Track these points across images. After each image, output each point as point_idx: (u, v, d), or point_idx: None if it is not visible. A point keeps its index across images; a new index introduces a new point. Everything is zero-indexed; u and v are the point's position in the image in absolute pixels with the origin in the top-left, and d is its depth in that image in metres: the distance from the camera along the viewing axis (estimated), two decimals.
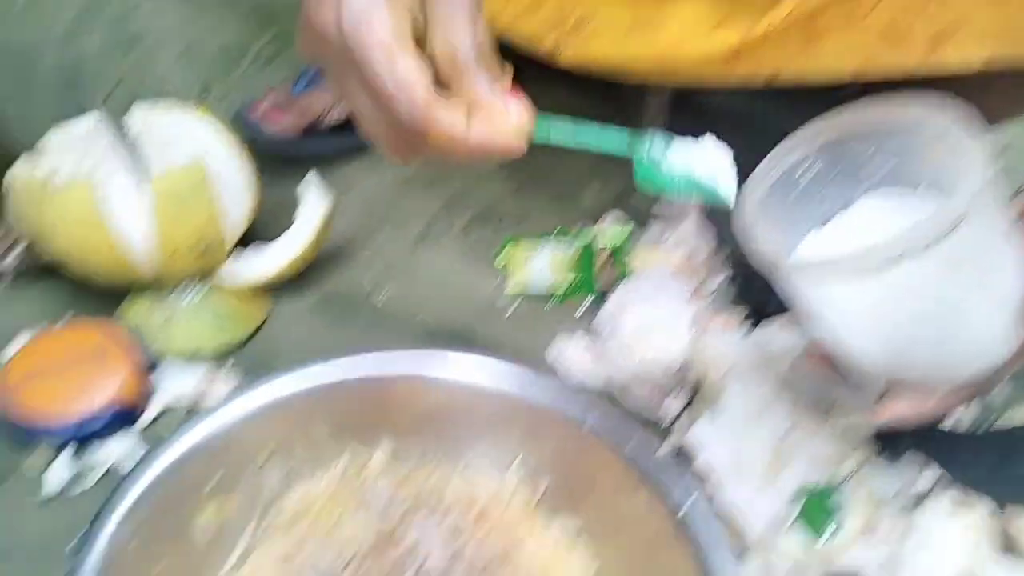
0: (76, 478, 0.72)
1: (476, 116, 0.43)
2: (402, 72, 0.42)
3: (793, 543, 0.67)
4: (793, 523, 0.67)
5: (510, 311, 0.92)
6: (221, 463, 0.62)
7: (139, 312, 0.82)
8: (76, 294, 0.88)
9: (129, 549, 0.54)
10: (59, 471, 0.71)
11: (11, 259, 0.88)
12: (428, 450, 0.71)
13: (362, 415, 0.68)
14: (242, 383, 0.64)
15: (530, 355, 0.72)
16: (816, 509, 0.67)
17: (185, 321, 0.82)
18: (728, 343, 0.77)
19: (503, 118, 0.44)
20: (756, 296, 0.90)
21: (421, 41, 0.44)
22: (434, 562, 0.60)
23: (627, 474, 0.61)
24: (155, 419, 0.77)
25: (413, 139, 0.44)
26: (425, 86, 0.43)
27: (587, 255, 0.94)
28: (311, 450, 0.67)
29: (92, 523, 0.54)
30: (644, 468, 0.61)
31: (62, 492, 0.71)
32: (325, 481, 0.68)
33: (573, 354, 0.84)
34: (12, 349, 0.81)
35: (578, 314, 0.92)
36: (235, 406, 0.63)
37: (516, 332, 0.90)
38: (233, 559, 0.63)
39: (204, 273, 0.84)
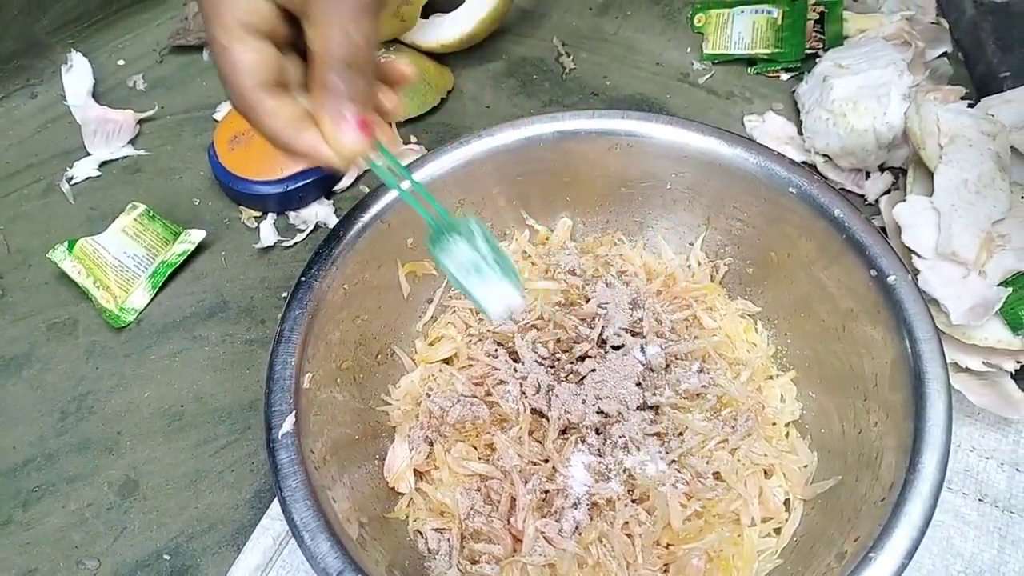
0: (285, 233, 0.77)
1: (308, 124, 0.44)
2: (234, 58, 0.42)
3: (992, 332, 0.63)
4: (995, 313, 0.62)
5: (704, 79, 0.87)
6: (418, 220, 0.63)
7: None
8: None
9: (338, 295, 0.58)
10: (270, 226, 0.77)
11: None
12: (611, 221, 0.70)
13: (549, 181, 0.67)
14: (431, 150, 0.64)
15: (725, 126, 0.68)
16: (1020, 303, 0.62)
17: None
18: (947, 114, 0.69)
19: (332, 138, 0.43)
20: (982, 67, 0.79)
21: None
22: (620, 323, 0.60)
23: (831, 240, 0.58)
24: (351, 185, 0.81)
25: (243, 116, 0.44)
26: (251, 75, 0.42)
27: (797, 15, 0.85)
28: (497, 217, 0.68)
29: (306, 268, 0.58)
30: (851, 235, 0.57)
31: (275, 245, 0.77)
32: (512, 247, 0.69)
33: (774, 124, 0.79)
34: (222, 111, 0.87)
35: (782, 80, 0.85)
36: (426, 169, 0.64)
37: (711, 100, 0.85)
38: (428, 313, 0.67)
39: (397, 36, 0.84)
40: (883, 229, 0.72)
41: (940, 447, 0.48)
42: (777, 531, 0.56)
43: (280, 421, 0.52)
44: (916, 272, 0.65)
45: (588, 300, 0.62)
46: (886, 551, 0.45)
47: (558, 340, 0.61)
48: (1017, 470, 0.62)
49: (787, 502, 0.57)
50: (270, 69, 0.43)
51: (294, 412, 0.52)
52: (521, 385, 0.59)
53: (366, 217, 0.61)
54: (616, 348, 0.60)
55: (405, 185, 0.50)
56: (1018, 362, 0.63)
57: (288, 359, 0.55)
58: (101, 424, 0.68)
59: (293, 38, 0.45)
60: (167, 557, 0.61)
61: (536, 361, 0.61)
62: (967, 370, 0.64)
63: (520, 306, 0.49)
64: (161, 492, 0.64)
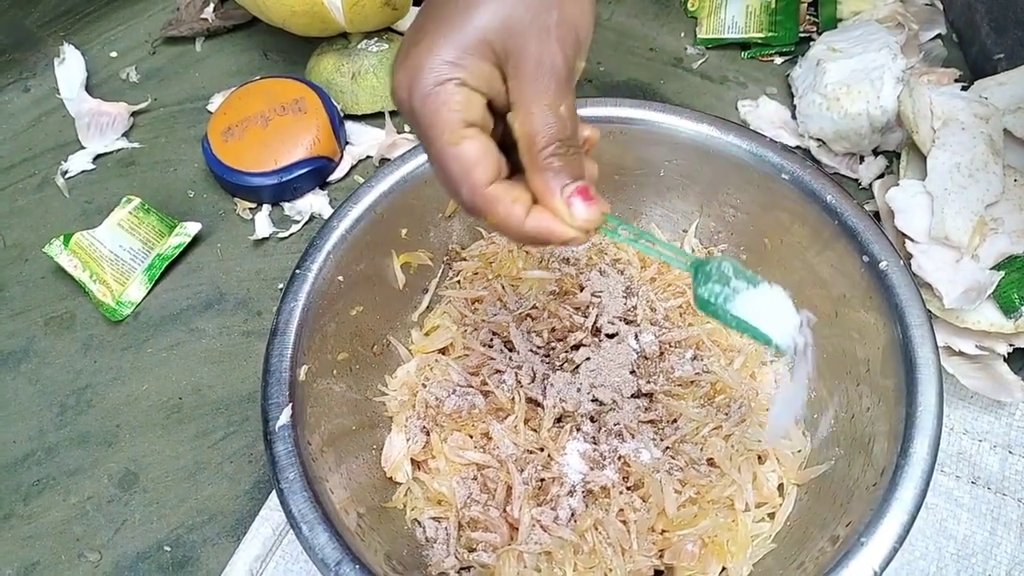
0: (280, 224, 0.78)
1: (536, 208, 0.42)
2: (464, 156, 0.40)
3: (985, 315, 0.63)
4: (988, 297, 0.62)
5: (698, 64, 0.87)
6: (413, 211, 0.64)
7: (327, 68, 0.83)
8: (266, 51, 0.91)
9: (333, 287, 0.58)
10: (265, 217, 0.77)
11: (207, 15, 0.91)
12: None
13: None
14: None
15: (719, 111, 0.68)
16: (1012, 287, 0.62)
17: (372, 75, 0.83)
18: (941, 97, 0.69)
19: (567, 215, 0.42)
20: (976, 49, 0.78)
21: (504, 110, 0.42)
22: (614, 311, 0.61)
23: (824, 226, 0.58)
24: (346, 175, 0.81)
25: (474, 213, 0.43)
26: (485, 170, 0.41)
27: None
28: None
29: (301, 260, 0.58)
30: (843, 221, 0.57)
31: (270, 236, 0.77)
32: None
33: (767, 108, 0.79)
34: (216, 102, 0.86)
35: (776, 64, 0.85)
36: (421, 158, 0.64)
37: (705, 85, 0.85)
38: (424, 303, 0.67)
39: (389, 24, 0.84)
40: (876, 214, 0.72)
41: (931, 432, 0.49)
42: (771, 516, 0.56)
43: (277, 413, 0.52)
44: (909, 256, 0.65)
45: (582, 289, 0.63)
46: (877, 536, 0.46)
47: (553, 329, 0.61)
48: (1010, 452, 0.63)
49: (781, 487, 0.58)
50: (498, 162, 0.42)
51: (290, 404, 0.53)
52: (516, 374, 0.60)
53: (360, 208, 0.61)
54: (610, 336, 0.61)
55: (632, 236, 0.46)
56: (1011, 345, 0.64)
57: (284, 352, 0.55)
58: (100, 417, 0.68)
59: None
60: (168, 549, 0.62)
61: (531, 350, 0.61)
62: (960, 354, 0.65)
63: (799, 325, 0.45)
64: (161, 484, 0.65)
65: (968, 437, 0.64)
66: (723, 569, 0.54)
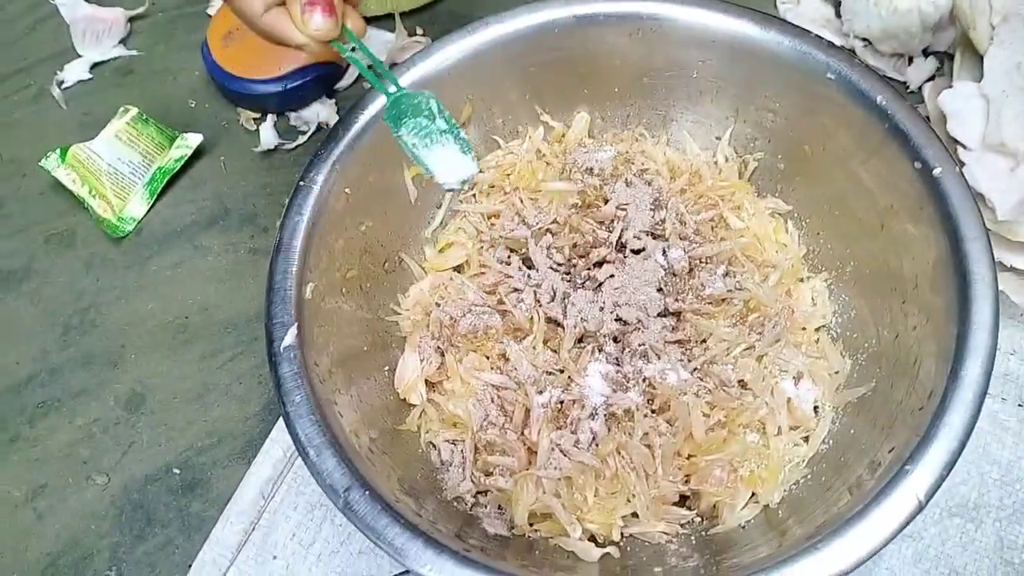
0: (286, 135, 0.73)
1: (279, 8, 0.46)
2: None
3: None
4: None
5: None
6: None
7: None
8: None
9: (340, 200, 0.55)
10: (270, 127, 0.73)
11: None
12: (632, 116, 0.65)
13: (565, 71, 0.62)
14: (437, 42, 0.59)
15: (757, 5, 0.62)
16: None
17: None
18: None
19: (299, 20, 0.46)
20: None
21: None
22: (640, 225, 0.57)
23: (872, 131, 0.53)
24: (353, 82, 0.77)
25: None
26: None
27: None
28: (508, 113, 0.64)
29: (304, 171, 0.54)
30: (895, 123, 0.52)
31: (276, 148, 0.73)
32: (525, 146, 0.65)
33: (809, 6, 0.72)
34: (216, 5, 0.81)
35: None
36: (431, 62, 0.59)
37: None
38: (438, 219, 0.63)
39: None
40: (926, 119, 0.66)
41: (985, 352, 0.45)
42: (806, 439, 0.53)
43: (282, 334, 0.49)
44: (961, 164, 0.60)
45: (607, 201, 0.58)
46: (924, 463, 0.42)
47: (574, 245, 0.57)
48: None
49: (816, 409, 0.54)
50: None
51: (296, 324, 0.50)
52: (535, 293, 0.56)
53: (367, 116, 0.57)
54: (636, 252, 0.57)
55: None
56: None
57: (288, 269, 0.52)
58: (104, 338, 0.66)
59: None
60: (177, 471, 0.60)
61: (551, 268, 0.57)
62: (1011, 269, 0.60)
63: (472, 175, 0.52)
64: (168, 406, 0.63)
65: (1016, 358, 0.60)
66: (753, 495, 0.52)
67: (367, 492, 0.45)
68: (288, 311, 0.50)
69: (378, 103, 0.57)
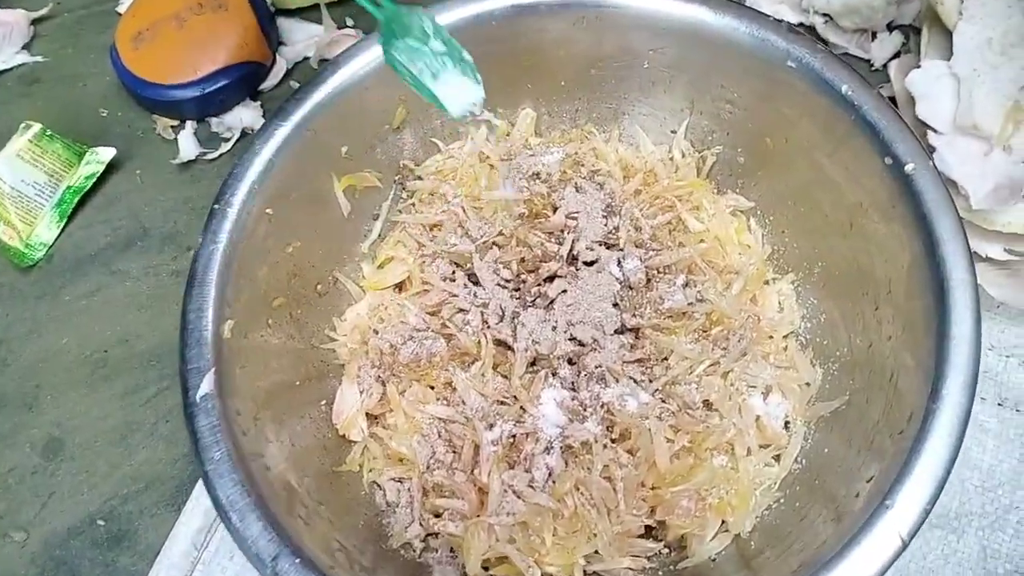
0: (208, 144, 0.68)
1: None
2: None
3: (1016, 216, 0.55)
4: (1022, 195, 0.54)
5: None
6: (353, 124, 0.54)
7: None
8: None
9: (260, 223, 0.49)
10: (190, 136, 0.67)
11: None
12: (581, 110, 0.61)
13: (506, 65, 0.57)
14: (368, 37, 0.54)
15: None
16: None
17: None
18: None
19: None
20: None
21: None
22: (593, 234, 0.52)
23: (838, 122, 0.49)
24: (280, 82, 0.71)
25: None
26: None
27: None
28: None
29: (218, 194, 0.49)
30: (862, 115, 0.48)
31: (196, 158, 0.67)
32: (467, 147, 0.60)
33: None
34: (125, 3, 0.75)
35: None
36: (361, 59, 0.54)
37: None
38: (375, 231, 0.58)
39: None
40: (892, 100, 0.62)
41: (967, 369, 0.41)
42: (777, 459, 0.50)
43: (198, 381, 0.44)
44: (932, 150, 0.56)
45: (555, 210, 0.54)
46: (906, 498, 0.39)
47: (522, 259, 0.53)
48: None
49: (787, 424, 0.51)
50: None
51: (214, 369, 0.45)
52: (482, 313, 0.52)
53: (288, 126, 0.52)
54: (589, 264, 0.52)
55: None
56: None
57: (203, 306, 0.47)
58: (17, 378, 0.60)
59: None
60: (101, 523, 0.55)
61: (498, 284, 0.53)
62: (987, 259, 0.57)
63: (481, 100, 0.47)
64: (89, 450, 0.58)
65: (994, 353, 0.57)
66: (723, 523, 0.48)
67: (298, 560, 0.40)
68: (204, 354, 0.45)
69: (301, 110, 0.52)
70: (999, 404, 0.55)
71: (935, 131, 0.57)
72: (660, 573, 0.47)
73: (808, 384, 0.51)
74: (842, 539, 0.39)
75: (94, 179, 0.65)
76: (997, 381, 0.56)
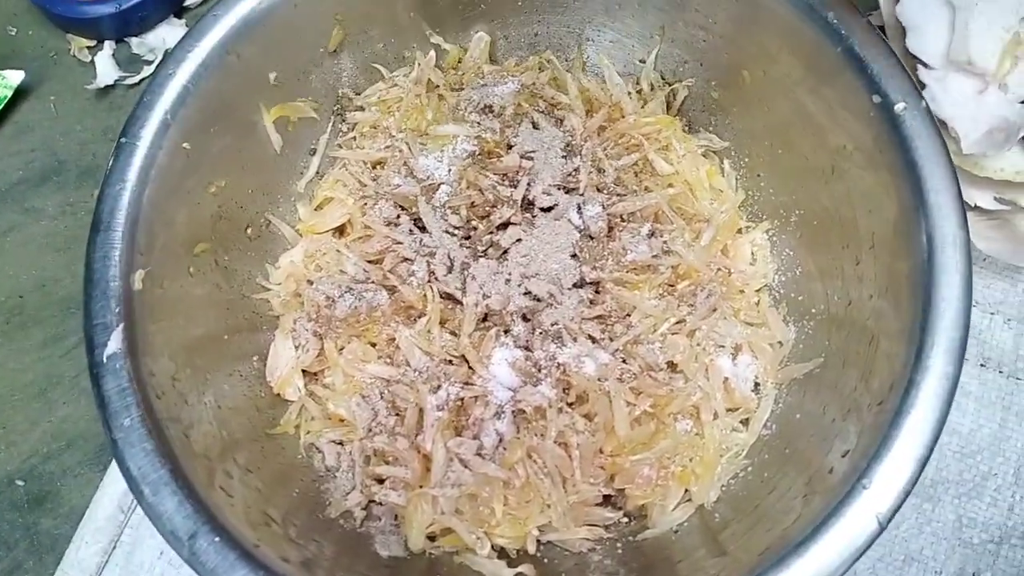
0: (129, 67, 0.61)
1: None
2: None
3: (1010, 162, 0.51)
4: (1020, 139, 0.50)
5: None
6: (283, 46, 0.48)
7: None
8: None
9: (177, 159, 0.44)
10: (108, 58, 0.60)
11: None
12: (541, 35, 0.55)
13: None
14: None
15: None
16: None
17: None
18: None
19: None
20: None
21: None
22: (550, 177, 0.47)
23: (823, 54, 0.44)
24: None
25: None
26: None
27: None
28: (392, 35, 0.53)
29: (125, 126, 0.43)
30: (849, 47, 0.43)
31: (115, 84, 0.60)
32: (415, 73, 0.54)
33: None
34: None
35: None
36: None
37: None
38: (312, 168, 0.53)
39: None
40: (881, 29, 0.57)
41: (955, 337, 0.37)
42: (745, 424, 0.46)
43: (104, 338, 0.40)
44: (922, 87, 0.51)
45: (510, 148, 0.49)
46: (884, 478, 0.36)
47: (472, 204, 0.48)
48: None
49: (757, 386, 0.47)
50: None
51: (122, 325, 0.40)
52: (428, 263, 0.47)
53: (206, 47, 0.46)
54: (546, 211, 0.48)
55: None
56: None
57: (110, 253, 0.41)
58: None
59: None
60: (20, 483, 0.51)
61: (447, 231, 0.48)
62: (975, 208, 0.53)
63: None
64: (7, 405, 0.53)
65: (978, 310, 0.53)
66: (686, 492, 0.45)
67: (217, 538, 0.36)
68: (111, 308, 0.40)
69: (221, 28, 0.46)
70: (981, 365, 0.52)
71: (926, 66, 0.53)
72: (618, 545, 0.44)
73: (780, 343, 0.47)
74: (815, 519, 0.36)
75: (2, 105, 0.59)
76: (980, 340, 0.53)
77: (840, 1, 0.44)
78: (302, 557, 0.39)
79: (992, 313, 0.53)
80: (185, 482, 0.38)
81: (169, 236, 0.44)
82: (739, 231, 0.51)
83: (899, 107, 0.42)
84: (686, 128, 0.53)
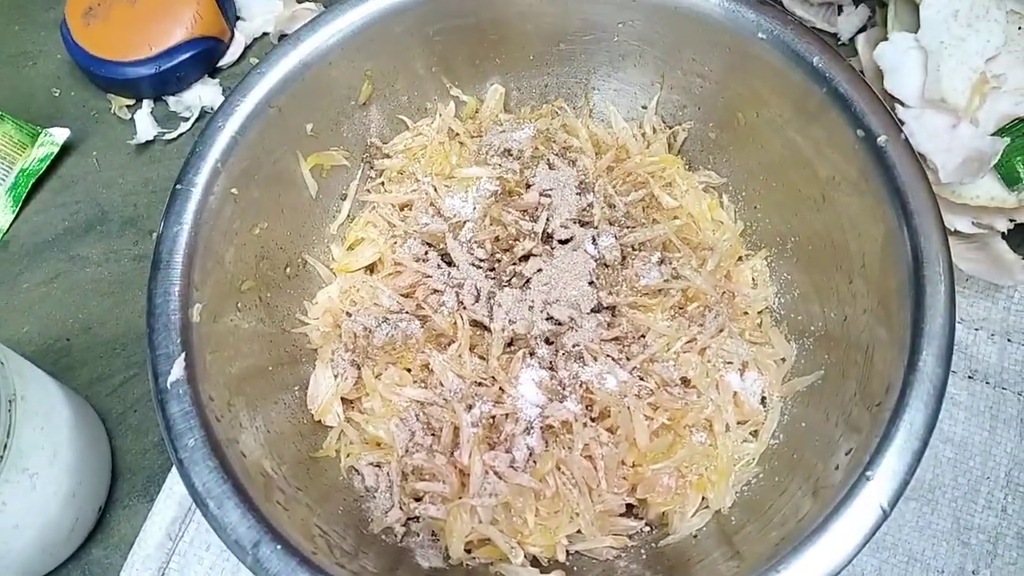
0: (167, 123, 0.65)
1: None
2: None
3: (984, 189, 0.56)
4: (991, 168, 0.54)
5: None
6: (318, 100, 0.53)
7: None
8: None
9: (226, 203, 0.48)
10: (147, 115, 0.65)
11: None
12: (551, 85, 0.60)
13: (473, 39, 0.56)
14: (329, 10, 0.52)
15: None
16: (1017, 154, 0.54)
17: None
18: None
19: None
20: None
21: None
22: (567, 212, 0.52)
23: (810, 96, 0.49)
24: (239, 59, 0.69)
25: None
26: None
27: None
28: (414, 88, 0.57)
29: (181, 173, 0.47)
30: (834, 88, 0.48)
31: (155, 139, 0.65)
32: (436, 124, 0.58)
33: None
34: None
35: None
36: (323, 32, 0.52)
37: None
38: (344, 212, 0.57)
39: None
40: (861, 73, 0.62)
41: (942, 341, 0.42)
42: (755, 435, 0.50)
43: (168, 367, 0.43)
44: (900, 123, 0.56)
45: (528, 187, 0.53)
46: (885, 468, 0.39)
47: (496, 238, 0.52)
48: (1009, 341, 0.57)
49: (764, 400, 0.51)
50: None
51: (183, 354, 0.43)
52: (457, 294, 0.51)
53: (251, 102, 0.50)
54: (564, 243, 0.52)
55: None
56: (1011, 221, 0.57)
57: (170, 289, 0.45)
58: None
59: None
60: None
61: (473, 264, 0.52)
62: (955, 233, 0.57)
63: None
64: None
65: (963, 326, 0.57)
66: (703, 500, 0.48)
67: (279, 546, 0.39)
68: (173, 339, 0.44)
69: (265, 85, 0.50)
70: (969, 377, 0.56)
71: (903, 104, 0.58)
72: (642, 551, 0.48)
73: (783, 360, 0.51)
74: (823, 511, 0.39)
75: (49, 161, 0.63)
76: (967, 354, 0.57)
77: (824, 47, 0.49)
78: (353, 568, 0.42)
79: (977, 329, 0.57)
80: (246, 496, 0.41)
81: (220, 274, 0.48)
82: (740, 258, 0.55)
83: (881, 139, 0.46)
84: (687, 166, 0.58)
